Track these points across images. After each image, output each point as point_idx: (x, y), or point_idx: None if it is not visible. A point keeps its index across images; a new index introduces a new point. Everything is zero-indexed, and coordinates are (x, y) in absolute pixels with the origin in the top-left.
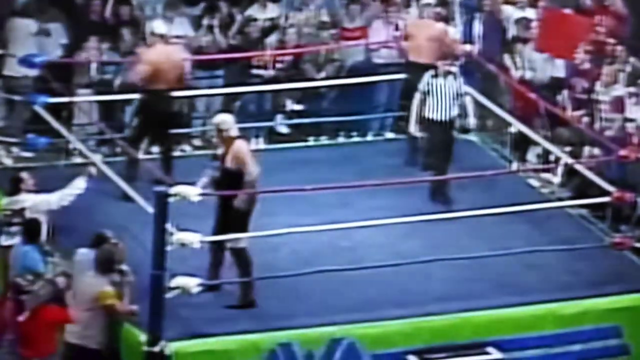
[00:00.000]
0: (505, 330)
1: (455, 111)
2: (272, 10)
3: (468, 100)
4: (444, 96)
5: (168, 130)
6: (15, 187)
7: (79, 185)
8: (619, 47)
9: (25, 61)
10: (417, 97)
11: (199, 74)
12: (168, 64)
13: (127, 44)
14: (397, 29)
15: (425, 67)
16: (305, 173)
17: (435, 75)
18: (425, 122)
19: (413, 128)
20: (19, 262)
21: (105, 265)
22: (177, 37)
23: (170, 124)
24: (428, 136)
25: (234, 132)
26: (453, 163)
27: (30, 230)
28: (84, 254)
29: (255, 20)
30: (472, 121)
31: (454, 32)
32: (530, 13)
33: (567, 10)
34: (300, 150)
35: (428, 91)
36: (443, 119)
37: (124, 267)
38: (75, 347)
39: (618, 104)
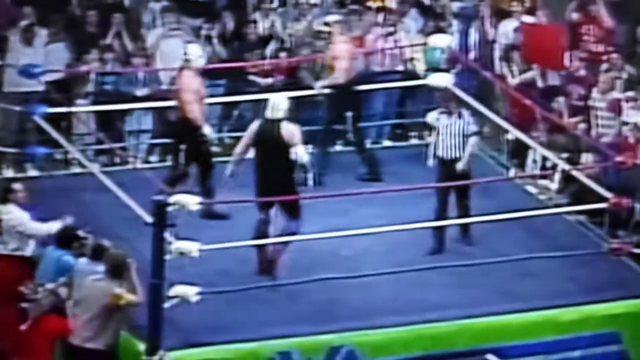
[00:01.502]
0: (504, 337)
1: (459, 151)
2: (272, 20)
3: (471, 143)
4: (446, 135)
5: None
6: (4, 197)
7: (54, 226)
8: (615, 55)
9: (25, 72)
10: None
11: None
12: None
13: (119, 55)
14: (393, 36)
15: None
16: None
17: (442, 112)
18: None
19: (430, 162)
20: (52, 267)
21: (115, 270)
22: None
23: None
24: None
25: (270, 114)
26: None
27: (65, 237)
28: (84, 263)
29: (255, 22)
30: (461, 165)
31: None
32: (527, 21)
33: (546, 22)
34: None
35: (435, 127)
36: (445, 157)
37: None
38: (82, 350)
39: (615, 107)
